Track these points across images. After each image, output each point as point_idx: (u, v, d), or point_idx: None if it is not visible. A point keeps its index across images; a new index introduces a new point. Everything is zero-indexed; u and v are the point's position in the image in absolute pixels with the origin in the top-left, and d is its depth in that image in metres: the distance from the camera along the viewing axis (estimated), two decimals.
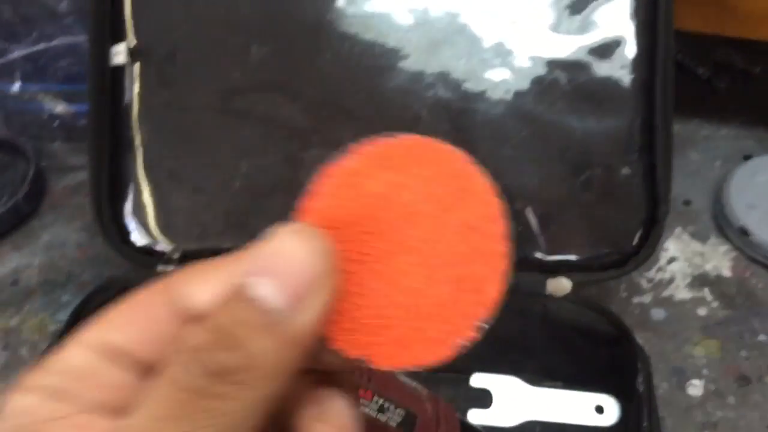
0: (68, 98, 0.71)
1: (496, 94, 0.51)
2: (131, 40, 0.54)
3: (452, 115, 0.51)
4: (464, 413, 0.54)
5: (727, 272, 0.62)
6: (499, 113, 0.51)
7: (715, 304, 0.60)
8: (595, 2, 0.50)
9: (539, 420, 0.53)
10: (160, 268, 0.54)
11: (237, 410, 0.19)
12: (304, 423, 0.23)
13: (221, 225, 0.54)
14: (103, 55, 0.55)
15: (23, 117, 0.73)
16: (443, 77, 0.51)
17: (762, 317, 0.58)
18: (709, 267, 0.62)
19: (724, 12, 0.61)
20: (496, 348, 0.54)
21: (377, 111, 0.52)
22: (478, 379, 0.55)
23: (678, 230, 0.64)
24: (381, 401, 0.37)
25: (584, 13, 0.50)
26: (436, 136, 0.52)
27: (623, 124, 0.50)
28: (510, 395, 0.54)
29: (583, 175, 0.50)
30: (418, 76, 0.51)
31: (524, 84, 0.51)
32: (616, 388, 0.53)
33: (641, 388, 0.45)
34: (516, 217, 0.51)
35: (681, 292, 0.61)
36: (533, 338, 0.53)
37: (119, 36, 0.55)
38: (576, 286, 0.50)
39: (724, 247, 0.63)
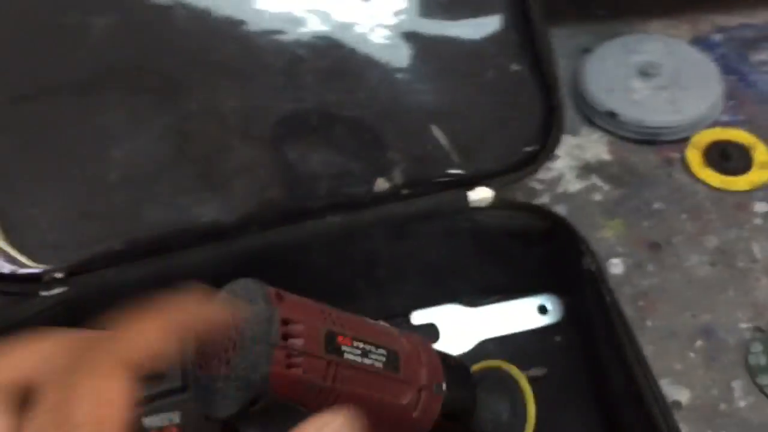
0: None
1: (373, 19, 0.48)
2: None
3: (332, 48, 0.48)
4: None
5: (606, 156, 0.64)
6: (382, 37, 0.48)
7: (606, 188, 0.62)
8: None
9: (489, 338, 0.53)
10: (44, 293, 0.46)
11: None
12: None
13: (106, 226, 0.47)
14: None
15: None
16: (314, 11, 0.48)
17: (650, 187, 0.61)
18: (589, 156, 0.64)
19: None
20: (430, 279, 0.52)
21: (251, 59, 0.47)
22: (420, 316, 0.53)
23: None
24: (362, 345, 0.34)
25: None
26: (322, 74, 0.49)
27: (501, 25, 0.50)
28: (455, 323, 0.53)
29: (478, 80, 0.49)
30: (285, 15, 0.48)
31: (401, 3, 0.49)
32: (554, 286, 0.53)
33: (592, 267, 0.46)
34: (424, 137, 0.49)
35: (573, 185, 0.62)
36: (466, 258, 0.51)
37: None
38: (498, 193, 0.50)
39: (595, 135, 0.65)
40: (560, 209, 0.60)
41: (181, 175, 0.47)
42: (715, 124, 0.64)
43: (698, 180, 0.61)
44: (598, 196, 0.61)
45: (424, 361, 0.38)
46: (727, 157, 0.61)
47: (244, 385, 0.30)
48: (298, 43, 0.48)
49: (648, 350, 0.46)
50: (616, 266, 0.57)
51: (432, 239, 0.50)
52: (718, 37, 0.72)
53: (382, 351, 0.35)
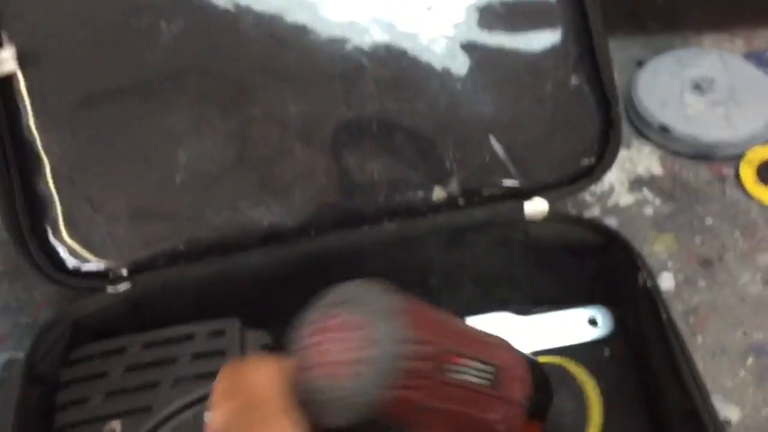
0: None
1: (434, 30, 0.49)
2: (13, 45, 0.47)
3: (394, 58, 0.49)
4: None
5: (657, 170, 0.64)
6: (442, 48, 0.49)
7: (657, 202, 0.62)
8: None
9: (538, 349, 0.53)
10: (111, 289, 0.47)
11: None
12: None
13: (170, 226, 0.48)
14: None
15: None
16: (377, 20, 0.49)
17: (702, 203, 0.61)
18: (640, 169, 0.64)
19: None
20: (483, 288, 0.53)
21: (314, 67, 0.48)
22: (472, 323, 0.53)
23: None
24: (475, 363, 0.33)
25: None
26: (382, 83, 0.50)
27: (560, 37, 0.50)
28: (505, 331, 0.53)
29: (537, 92, 0.50)
30: (349, 24, 0.48)
31: (460, 15, 0.49)
32: (605, 298, 0.53)
33: (648, 283, 0.46)
34: (481, 147, 0.49)
35: (624, 198, 0.62)
36: (518, 268, 0.52)
37: None
38: (553, 205, 0.50)
39: (647, 149, 0.65)
40: (611, 222, 0.60)
41: (242, 178, 0.48)
42: None
43: (752, 197, 0.61)
44: (649, 210, 0.61)
45: (518, 375, 0.37)
46: None
47: (363, 401, 0.29)
48: (361, 52, 0.49)
49: (698, 366, 0.46)
50: (666, 281, 0.57)
51: (486, 249, 0.51)
52: None
53: (489, 368, 0.34)
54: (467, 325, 0.35)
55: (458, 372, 0.32)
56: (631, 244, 0.48)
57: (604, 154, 0.50)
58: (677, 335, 0.43)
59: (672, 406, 0.44)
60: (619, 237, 0.48)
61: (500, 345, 0.37)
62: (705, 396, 0.41)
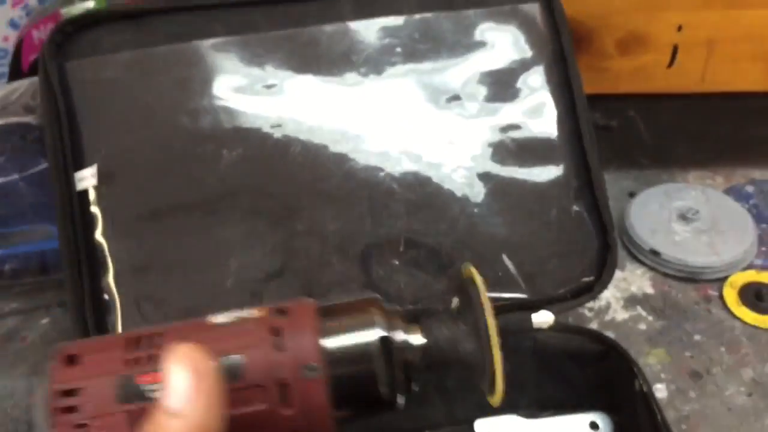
0: None
1: (455, 161, 0.57)
2: (95, 164, 0.55)
3: (420, 184, 0.57)
4: None
5: (649, 290, 0.71)
6: (461, 177, 0.57)
7: (650, 318, 0.68)
8: (522, 74, 0.59)
9: None
10: None
11: None
12: None
13: None
14: (68, 181, 0.55)
15: None
16: (406, 152, 0.57)
17: (691, 321, 0.68)
18: (634, 288, 0.71)
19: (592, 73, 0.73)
20: None
21: (352, 190, 0.56)
22: (482, 425, 0.59)
23: None
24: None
25: (513, 83, 0.59)
26: (410, 205, 0.57)
27: (562, 170, 0.58)
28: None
29: (543, 217, 0.57)
30: (384, 155, 0.57)
31: (477, 149, 0.57)
32: (605, 405, 0.59)
33: (644, 388, 0.51)
34: (495, 264, 0.56)
35: (620, 314, 0.69)
36: (526, 373, 0.57)
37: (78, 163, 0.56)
38: (557, 317, 0.56)
39: (639, 270, 0.72)
40: (608, 335, 0.66)
41: (286, 285, 0.55)
42: (750, 266, 0.71)
43: (735, 316, 0.67)
44: (642, 326, 0.67)
45: (289, 347, 0.33)
46: (761, 298, 0.68)
47: None
48: (392, 178, 0.57)
49: None
50: (660, 391, 0.62)
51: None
52: (750, 189, 0.80)
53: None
54: (199, 323, 0.34)
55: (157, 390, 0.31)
56: (628, 353, 0.54)
57: (602, 274, 0.57)
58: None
59: None
60: (617, 346, 0.54)
61: (253, 325, 0.34)
62: None
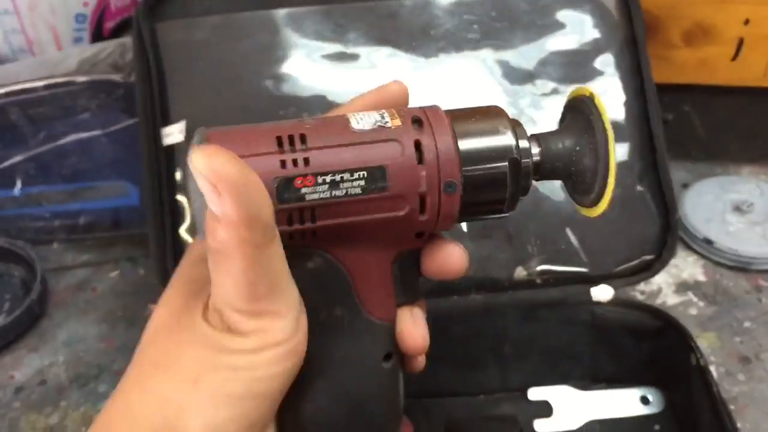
0: (72, 196, 0.71)
1: None
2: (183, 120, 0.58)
3: None
4: (530, 425, 0.59)
5: (701, 277, 0.72)
6: None
7: (701, 304, 0.70)
8: (594, 57, 0.61)
9: (597, 419, 0.60)
10: None
11: (237, 265, 0.30)
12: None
13: None
14: (155, 136, 0.58)
15: (21, 220, 0.72)
16: None
17: (741, 308, 0.69)
18: (685, 275, 0.72)
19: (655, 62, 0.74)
20: (549, 361, 0.60)
21: None
22: (535, 392, 0.61)
23: None
24: (329, 178, 0.32)
25: (585, 65, 0.61)
26: None
27: (628, 150, 0.60)
28: (566, 402, 0.60)
29: None
30: None
31: (547, 127, 0.59)
32: (657, 380, 0.60)
33: (701, 362, 0.53)
34: (559, 238, 0.58)
35: (671, 299, 0.70)
36: (582, 345, 0.59)
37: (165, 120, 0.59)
38: (616, 292, 0.58)
39: (692, 258, 0.74)
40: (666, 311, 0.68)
41: None
42: None
43: None
44: (693, 311, 0.69)
45: (429, 161, 0.34)
46: None
47: None
48: None
49: None
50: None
51: (555, 325, 0.59)
52: None
53: (359, 174, 0.33)
54: (339, 126, 0.34)
55: (312, 194, 0.32)
56: (686, 328, 0.56)
57: (662, 253, 0.59)
58: (724, 404, 0.50)
59: None
60: (675, 322, 0.56)
61: (399, 131, 0.34)
62: None
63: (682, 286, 0.71)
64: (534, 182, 0.37)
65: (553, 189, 0.59)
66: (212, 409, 0.31)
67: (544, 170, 0.36)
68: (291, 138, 0.32)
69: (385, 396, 0.38)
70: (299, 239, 0.33)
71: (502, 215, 0.37)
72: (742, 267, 0.72)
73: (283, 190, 0.32)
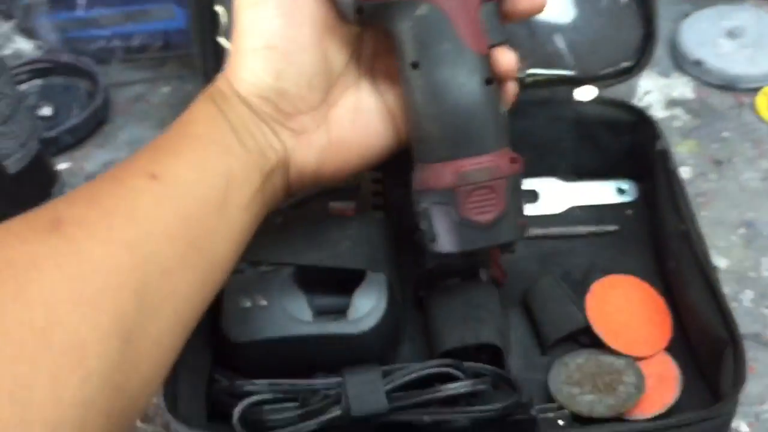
0: (127, 18, 0.81)
1: None
2: None
3: None
4: None
5: (690, 95, 0.79)
6: None
7: (686, 118, 0.77)
8: None
9: (577, 205, 0.69)
10: None
11: None
12: None
13: None
14: None
15: (83, 40, 0.82)
16: None
17: (722, 121, 0.76)
18: (675, 94, 0.79)
19: None
20: (537, 155, 0.69)
21: None
22: (524, 183, 0.70)
23: (647, 71, 0.81)
24: None
25: None
26: None
27: None
28: (551, 191, 0.70)
29: (595, 5, 0.66)
30: None
31: None
32: (632, 172, 0.69)
33: (665, 147, 0.61)
34: (548, 42, 0.66)
35: (659, 112, 0.78)
36: (566, 141, 0.68)
37: None
38: (599, 92, 0.66)
39: (683, 79, 0.81)
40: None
41: None
42: None
43: (763, 121, 0.76)
44: (678, 123, 0.77)
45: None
46: None
47: None
48: None
49: None
50: (684, 172, 0.72)
51: (542, 122, 0.67)
52: None
53: None
54: None
55: None
56: (654, 120, 0.64)
57: (641, 59, 0.66)
58: (681, 185, 0.59)
59: (670, 231, 0.60)
60: (646, 116, 0.64)
61: None
62: (695, 222, 0.57)
63: (672, 103, 0.79)
64: None
65: None
66: None
67: None
68: None
69: (489, 115, 0.49)
70: None
71: None
72: (728, 86, 0.78)
73: None
